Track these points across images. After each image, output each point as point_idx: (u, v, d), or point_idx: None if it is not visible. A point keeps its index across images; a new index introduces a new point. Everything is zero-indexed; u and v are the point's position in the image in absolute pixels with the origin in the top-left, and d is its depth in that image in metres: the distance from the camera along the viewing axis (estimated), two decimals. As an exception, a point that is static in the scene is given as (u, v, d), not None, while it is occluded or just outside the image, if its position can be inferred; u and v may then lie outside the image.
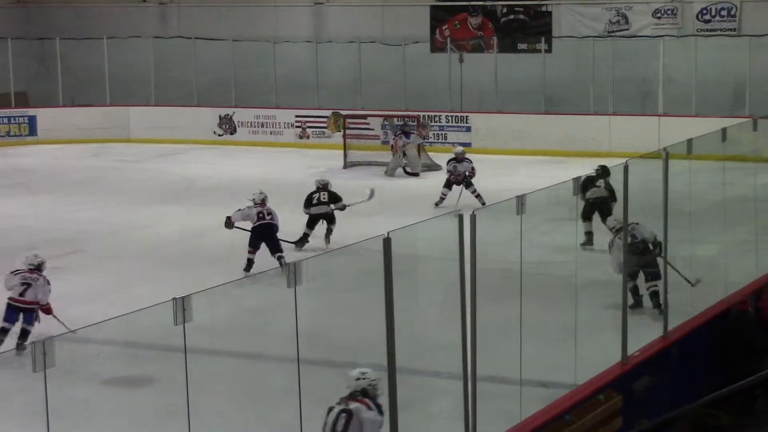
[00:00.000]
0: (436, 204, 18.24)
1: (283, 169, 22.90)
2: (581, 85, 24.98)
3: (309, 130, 26.62)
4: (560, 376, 9.27)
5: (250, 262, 13.84)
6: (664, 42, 24.27)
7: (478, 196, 18.16)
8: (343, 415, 7.19)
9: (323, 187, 15.70)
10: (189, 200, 19.56)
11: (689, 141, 10.39)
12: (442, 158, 22.05)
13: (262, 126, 26.84)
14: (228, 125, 27.18)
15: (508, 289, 8.84)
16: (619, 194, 9.83)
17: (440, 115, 25.44)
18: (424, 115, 24.40)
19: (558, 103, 25.10)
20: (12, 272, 11.44)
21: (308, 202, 15.50)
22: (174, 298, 5.99)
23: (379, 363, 7.18)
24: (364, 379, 7.31)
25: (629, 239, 10.33)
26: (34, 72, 28.96)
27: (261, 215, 14.15)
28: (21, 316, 11.14)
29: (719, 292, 11.40)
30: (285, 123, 26.75)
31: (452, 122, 25.34)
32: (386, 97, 26.48)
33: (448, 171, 18.72)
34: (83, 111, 27.88)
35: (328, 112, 26.48)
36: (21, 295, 11.21)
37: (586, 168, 10.34)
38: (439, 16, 27.69)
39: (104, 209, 18.85)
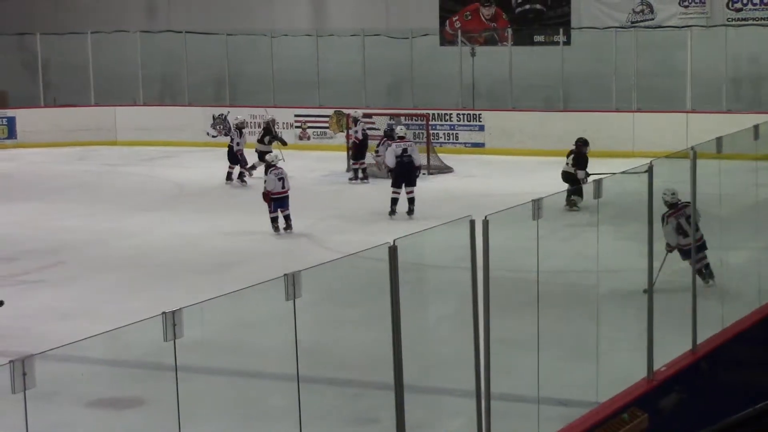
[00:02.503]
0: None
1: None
2: (603, 79, 24.98)
3: (309, 131, 26.68)
4: (581, 393, 9.26)
5: None
6: (692, 33, 24.28)
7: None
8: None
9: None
10: (181, 207, 19.59)
11: (719, 139, 10.38)
12: (452, 159, 22.10)
13: (259, 126, 26.83)
14: (222, 126, 27.22)
15: (525, 300, 8.84)
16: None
17: (451, 113, 25.48)
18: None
19: (578, 99, 25.10)
20: (267, 176, 16.66)
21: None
22: (164, 313, 6.00)
23: (385, 381, 7.19)
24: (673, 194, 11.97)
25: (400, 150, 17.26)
26: (13, 70, 29.03)
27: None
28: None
29: (752, 302, 11.39)
30: (283, 123, 26.76)
31: (464, 121, 25.36)
32: (392, 94, 26.53)
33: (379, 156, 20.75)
34: (66, 112, 27.94)
35: (330, 111, 26.53)
36: (283, 187, 16.57)
37: (609, 169, 10.36)
38: (448, 7, 27.73)
39: (89, 217, 18.86)
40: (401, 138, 18.37)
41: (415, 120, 24.62)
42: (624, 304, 10.80)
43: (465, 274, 7.62)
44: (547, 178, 20.59)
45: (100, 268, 15.15)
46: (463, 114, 25.45)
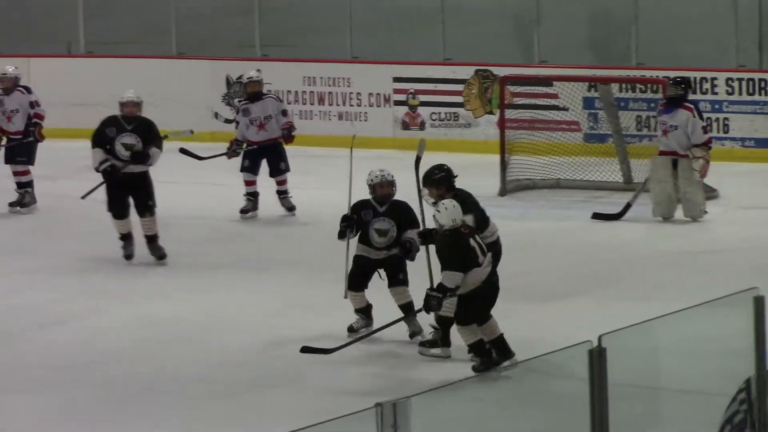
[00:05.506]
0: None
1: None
2: None
3: (424, 111, 26.75)
4: None
5: None
6: None
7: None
8: None
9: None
10: (156, 268, 19.76)
11: None
12: (720, 171, 22.05)
13: (320, 102, 27.09)
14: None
15: None
16: None
17: (716, 78, 25.39)
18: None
19: None
20: None
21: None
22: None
23: None
24: None
25: None
26: None
27: None
28: None
29: None
30: (372, 94, 26.96)
31: (742, 93, 25.26)
32: (593, 41, 26.63)
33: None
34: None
35: (467, 71, 26.78)
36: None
37: None
38: None
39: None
40: None
41: (641, 90, 24.59)
42: None
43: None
44: None
45: (8, 386, 15.33)
46: (743, 79, 25.38)
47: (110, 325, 17.24)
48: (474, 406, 9.93)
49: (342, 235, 16.11)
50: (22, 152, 23.14)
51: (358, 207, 16.34)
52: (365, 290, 16.25)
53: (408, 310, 15.87)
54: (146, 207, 19.56)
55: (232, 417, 13.83)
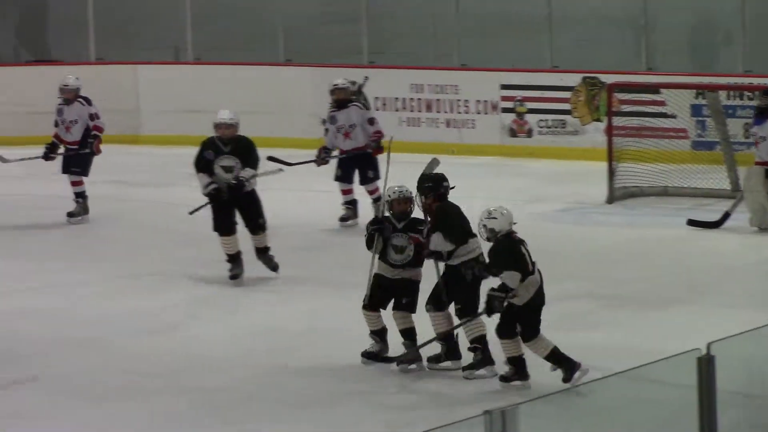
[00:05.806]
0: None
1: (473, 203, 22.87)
2: None
3: (531, 118, 26.65)
4: None
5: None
6: None
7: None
8: None
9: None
10: (257, 278, 19.84)
11: None
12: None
13: (428, 109, 27.03)
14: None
15: None
16: None
17: None
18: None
19: None
20: None
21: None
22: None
23: None
24: None
25: None
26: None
27: None
28: None
29: None
30: (479, 102, 26.89)
31: None
32: (697, 46, 26.44)
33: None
34: (43, 72, 28.49)
35: (575, 78, 26.79)
36: None
37: None
38: None
39: (78, 289, 19.21)
40: None
41: (748, 98, 24.40)
42: None
43: None
44: None
45: (96, 393, 15.39)
46: None
47: (208, 334, 17.33)
48: (580, 415, 9.88)
49: (371, 240, 15.98)
50: (77, 163, 23.51)
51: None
52: (381, 311, 16.13)
53: (408, 336, 15.96)
54: (257, 225, 19.60)
55: (321, 426, 14.03)
